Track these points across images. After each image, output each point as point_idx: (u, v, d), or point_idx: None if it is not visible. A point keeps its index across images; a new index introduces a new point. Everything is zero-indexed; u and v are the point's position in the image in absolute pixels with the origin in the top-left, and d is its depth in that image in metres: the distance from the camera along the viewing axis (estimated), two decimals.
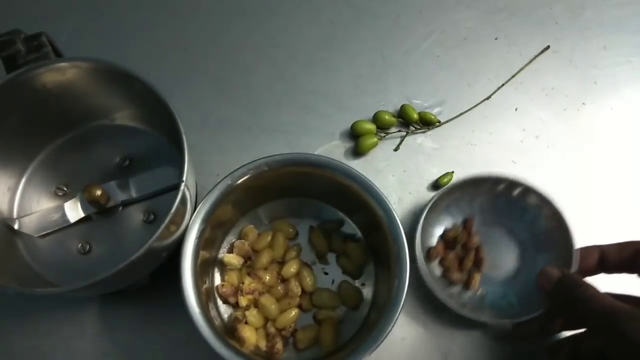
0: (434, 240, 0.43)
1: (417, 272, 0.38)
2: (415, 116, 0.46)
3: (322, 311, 0.39)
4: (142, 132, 0.42)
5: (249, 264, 0.41)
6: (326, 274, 0.41)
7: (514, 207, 0.43)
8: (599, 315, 0.31)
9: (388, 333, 0.33)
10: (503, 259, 0.43)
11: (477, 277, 0.41)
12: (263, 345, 0.38)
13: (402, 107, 0.47)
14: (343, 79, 0.50)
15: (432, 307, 0.38)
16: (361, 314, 0.40)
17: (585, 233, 0.44)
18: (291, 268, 0.40)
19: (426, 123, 0.47)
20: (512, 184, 0.41)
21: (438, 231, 0.43)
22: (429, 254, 0.42)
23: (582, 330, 0.36)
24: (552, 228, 0.41)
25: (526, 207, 0.42)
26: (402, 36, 0.52)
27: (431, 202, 0.40)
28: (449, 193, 0.41)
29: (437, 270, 0.42)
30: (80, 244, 0.39)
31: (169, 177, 0.39)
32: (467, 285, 0.41)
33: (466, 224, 0.43)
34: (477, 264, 0.42)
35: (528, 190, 0.41)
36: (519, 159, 0.47)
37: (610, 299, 0.32)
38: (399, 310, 0.34)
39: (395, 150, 0.47)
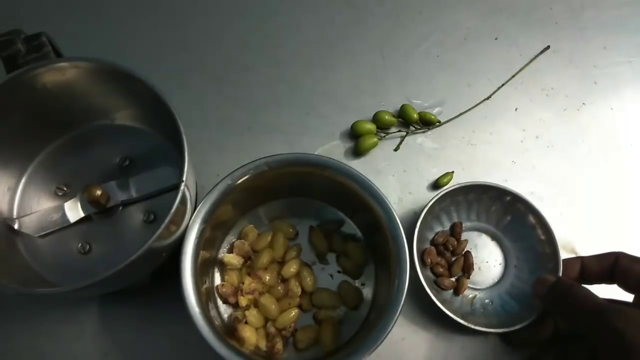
0: (427, 244, 0.43)
1: (414, 276, 0.38)
2: (415, 116, 0.46)
3: (322, 311, 0.39)
4: (142, 132, 0.42)
5: (249, 264, 0.41)
6: (331, 276, 0.41)
7: (502, 215, 0.43)
8: (592, 312, 0.33)
9: (388, 333, 0.33)
10: (490, 264, 0.43)
11: (465, 283, 0.41)
12: (263, 345, 0.38)
13: (402, 107, 0.47)
14: (343, 79, 0.49)
15: (431, 307, 0.38)
16: (361, 314, 0.40)
17: (585, 232, 0.44)
18: (291, 268, 0.40)
19: (426, 123, 0.47)
20: (501, 192, 0.42)
21: (431, 235, 0.43)
22: (422, 258, 0.42)
23: (568, 336, 0.38)
24: (539, 239, 0.41)
25: (515, 216, 0.42)
26: (402, 36, 0.52)
27: (427, 207, 0.40)
28: (442, 199, 0.41)
29: (431, 275, 0.42)
30: (80, 244, 0.39)
31: (169, 177, 0.39)
32: (456, 291, 0.41)
33: (454, 229, 0.43)
34: (466, 270, 0.42)
35: (516, 200, 0.41)
36: (519, 159, 0.47)
37: (601, 298, 0.33)
38: (399, 310, 0.34)
39: (395, 150, 0.47)
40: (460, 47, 0.51)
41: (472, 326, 0.38)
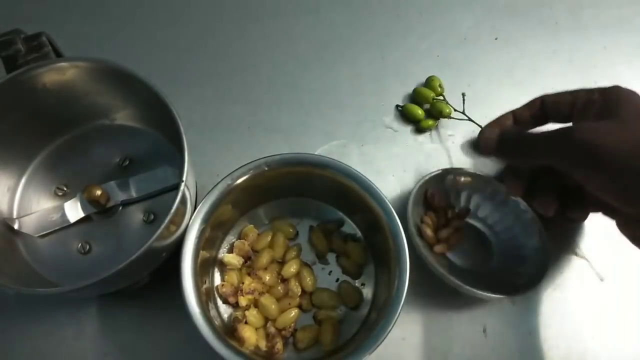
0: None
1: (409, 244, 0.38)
2: (448, 111, 0.46)
3: (322, 311, 0.39)
4: (142, 132, 0.42)
5: (249, 264, 0.41)
6: (330, 273, 0.41)
7: (493, 203, 0.43)
8: (553, 137, 0.34)
9: (388, 333, 0.33)
10: (476, 250, 0.43)
11: (444, 248, 0.42)
12: (263, 345, 0.38)
13: (433, 104, 0.47)
14: (343, 79, 0.50)
15: (432, 307, 0.38)
16: (361, 314, 0.40)
17: (585, 233, 0.44)
18: (291, 268, 0.40)
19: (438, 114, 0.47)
20: (494, 182, 0.42)
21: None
22: (419, 231, 0.42)
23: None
24: (529, 231, 0.41)
25: (504, 204, 0.43)
26: (402, 36, 0.52)
27: (420, 184, 0.41)
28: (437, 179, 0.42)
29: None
30: (80, 244, 0.39)
31: (169, 177, 0.39)
32: (432, 248, 0.42)
33: (461, 212, 0.44)
34: (452, 242, 0.42)
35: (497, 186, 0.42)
36: None
37: (543, 131, 0.35)
38: (399, 310, 0.34)
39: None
40: (460, 47, 0.51)
41: (475, 290, 0.37)
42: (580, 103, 0.37)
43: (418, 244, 0.39)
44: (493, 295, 0.37)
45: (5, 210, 0.39)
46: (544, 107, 0.39)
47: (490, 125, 0.43)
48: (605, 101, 0.35)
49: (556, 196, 0.38)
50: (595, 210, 0.39)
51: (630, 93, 0.35)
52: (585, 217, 0.40)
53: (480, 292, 0.37)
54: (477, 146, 0.47)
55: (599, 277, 0.42)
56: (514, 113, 0.41)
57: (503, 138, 0.38)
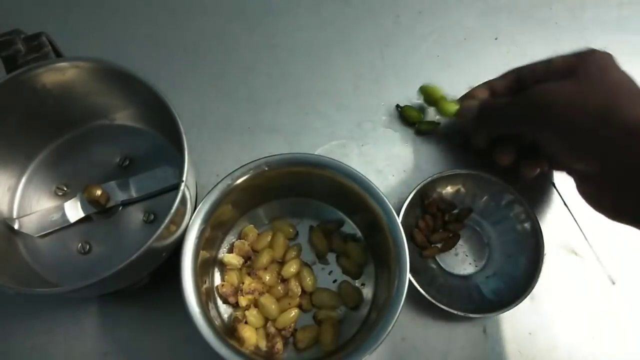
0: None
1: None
2: (452, 110, 0.44)
3: (322, 311, 0.39)
4: (142, 132, 0.42)
5: (249, 264, 0.41)
6: (330, 273, 0.41)
7: (490, 206, 0.43)
8: (524, 104, 0.36)
9: (388, 333, 0.33)
10: (475, 250, 0.43)
11: (432, 252, 0.42)
12: (263, 345, 0.38)
13: (439, 100, 0.46)
14: (343, 79, 0.49)
15: (431, 307, 0.38)
16: (361, 314, 0.40)
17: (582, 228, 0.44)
18: (291, 268, 0.40)
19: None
20: (491, 182, 0.42)
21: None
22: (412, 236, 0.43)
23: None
24: (524, 231, 0.41)
25: (501, 206, 0.43)
26: (402, 36, 0.52)
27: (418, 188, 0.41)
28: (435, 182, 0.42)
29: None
30: (80, 244, 0.39)
31: (169, 177, 0.39)
32: (421, 253, 0.42)
33: (462, 212, 0.44)
34: (443, 247, 0.43)
35: (503, 190, 0.42)
36: None
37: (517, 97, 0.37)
38: (399, 310, 0.34)
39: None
40: (460, 47, 0.51)
41: (461, 313, 0.38)
42: (553, 68, 0.37)
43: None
44: (470, 315, 0.38)
45: (5, 210, 0.39)
46: (520, 78, 0.40)
47: (468, 96, 0.44)
48: (575, 64, 0.36)
49: (514, 150, 0.40)
50: (553, 168, 0.42)
51: (600, 56, 0.35)
52: (533, 173, 0.41)
53: (454, 311, 0.38)
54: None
55: (611, 281, 0.42)
56: (490, 84, 0.42)
57: (482, 108, 0.40)
